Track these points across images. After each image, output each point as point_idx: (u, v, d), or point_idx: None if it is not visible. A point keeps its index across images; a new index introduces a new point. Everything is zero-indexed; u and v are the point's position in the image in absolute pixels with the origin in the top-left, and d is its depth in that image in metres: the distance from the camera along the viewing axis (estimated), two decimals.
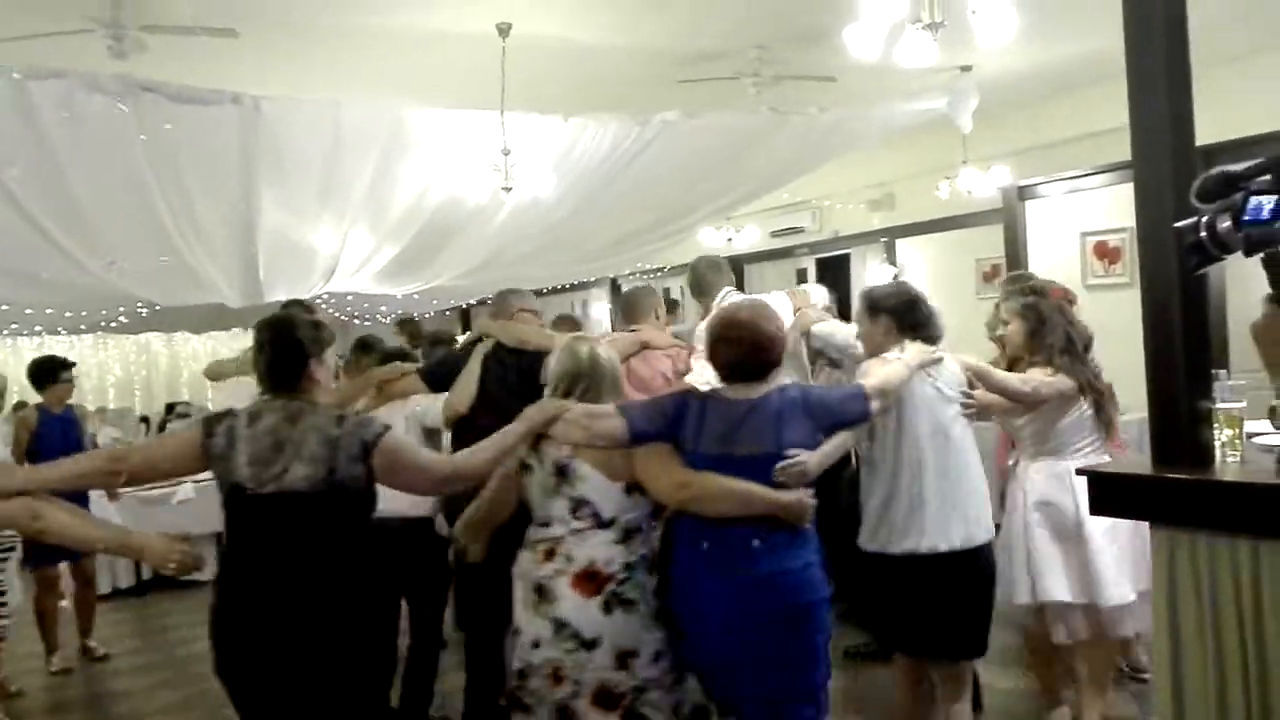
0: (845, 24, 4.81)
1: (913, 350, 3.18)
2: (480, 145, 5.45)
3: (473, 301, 11.31)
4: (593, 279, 11.31)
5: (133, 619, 6.43)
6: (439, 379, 4.15)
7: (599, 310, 12.97)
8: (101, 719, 5.04)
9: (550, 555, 2.85)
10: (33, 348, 10.77)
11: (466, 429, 3.74)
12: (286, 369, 2.66)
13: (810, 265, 10.83)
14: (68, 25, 4.87)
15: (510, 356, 3.99)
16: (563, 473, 2.87)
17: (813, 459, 2.74)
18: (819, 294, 4.53)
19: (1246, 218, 1.37)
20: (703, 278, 4.37)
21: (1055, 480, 3.62)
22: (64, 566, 5.81)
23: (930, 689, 3.37)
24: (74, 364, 6.10)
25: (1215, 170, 1.45)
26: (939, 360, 3.25)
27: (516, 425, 2.83)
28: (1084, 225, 7.60)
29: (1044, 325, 3.69)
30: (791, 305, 4.18)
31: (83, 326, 9.20)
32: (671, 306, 5.48)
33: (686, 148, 5.90)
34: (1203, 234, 1.44)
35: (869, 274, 10.07)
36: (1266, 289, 1.43)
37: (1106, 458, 3.68)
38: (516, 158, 5.51)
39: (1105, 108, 3.94)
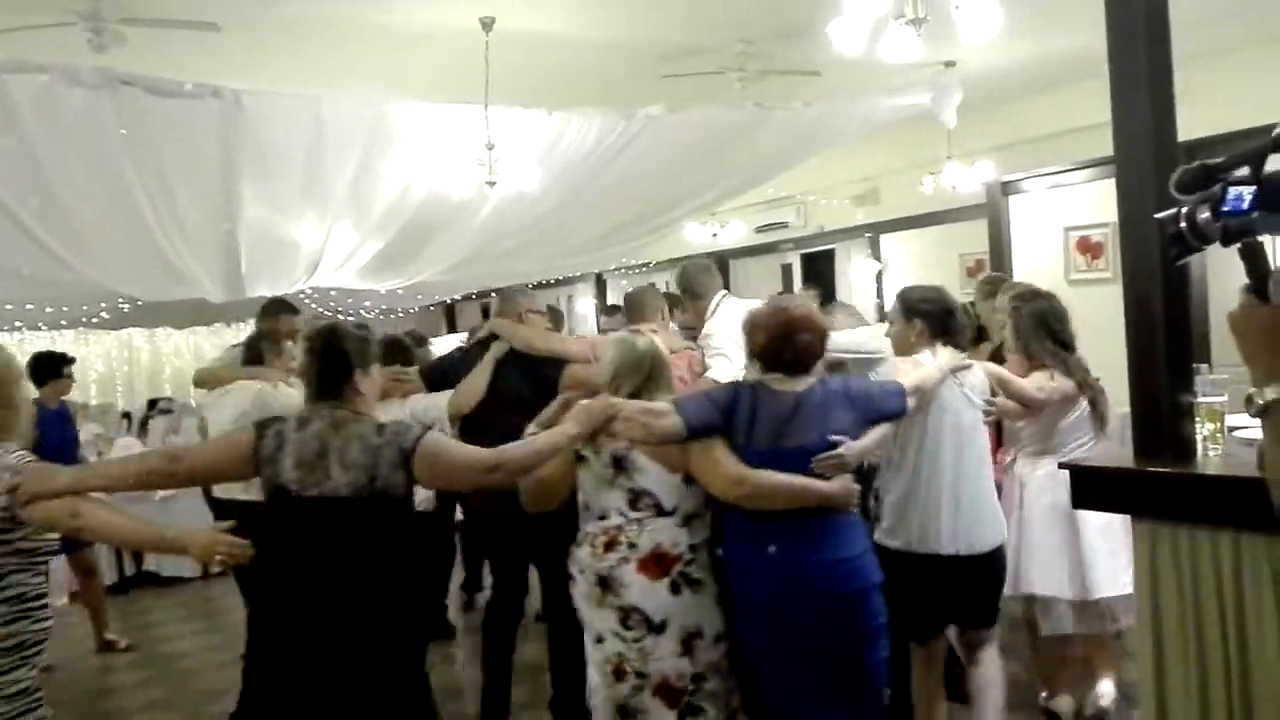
0: (829, 19, 4.80)
1: (945, 355, 3.30)
2: (464, 139, 5.42)
3: (457, 297, 11.29)
4: (578, 274, 11.29)
5: (116, 616, 6.38)
6: (437, 379, 4.16)
7: (584, 305, 12.96)
8: (86, 716, 5.01)
9: (611, 546, 2.91)
10: (14, 344, 10.69)
11: (483, 430, 3.65)
12: (332, 378, 2.70)
13: (795, 260, 10.84)
14: (46, 18, 4.82)
15: (524, 359, 3.99)
16: (620, 465, 2.93)
17: (853, 449, 2.84)
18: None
19: (1225, 209, 1.38)
20: (694, 280, 4.41)
21: (1052, 478, 3.67)
22: (62, 560, 5.75)
23: (940, 670, 3.46)
24: (74, 359, 6.10)
25: (1195, 163, 1.46)
26: (968, 367, 3.37)
27: (570, 427, 2.79)
28: (1067, 220, 7.62)
29: (1038, 328, 3.76)
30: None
31: (64, 322, 9.14)
32: (675, 302, 5.56)
33: (671, 142, 5.89)
34: (1182, 225, 1.44)
35: (853, 269, 10.10)
36: (1245, 281, 1.45)
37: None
38: (500, 152, 5.48)
39: (1088, 104, 3.96)
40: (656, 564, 2.86)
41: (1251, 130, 5.93)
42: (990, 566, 3.32)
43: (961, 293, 8.35)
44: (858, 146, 7.82)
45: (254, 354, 4.54)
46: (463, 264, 7.35)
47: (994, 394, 3.47)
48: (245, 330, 11.10)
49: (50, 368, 5.84)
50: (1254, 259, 1.42)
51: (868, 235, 9.71)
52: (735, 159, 6.54)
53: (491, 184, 5.60)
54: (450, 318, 14.33)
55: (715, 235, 10.54)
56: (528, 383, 3.90)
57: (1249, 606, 2.20)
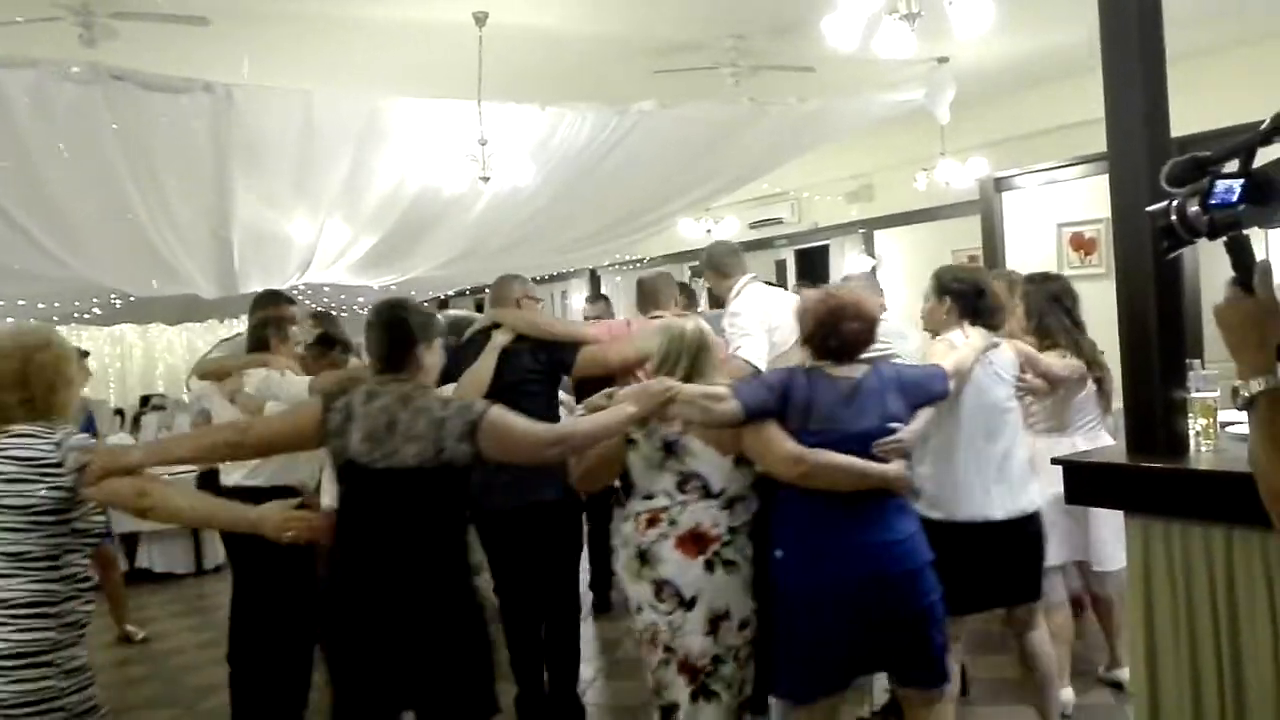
0: (823, 14, 4.80)
1: (976, 335, 3.38)
2: (457, 135, 5.41)
3: (450, 293, 11.26)
4: (572, 270, 11.28)
5: (110, 612, 6.36)
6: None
7: (578, 301, 12.94)
8: None
9: (653, 523, 2.99)
10: None
11: None
12: (398, 351, 2.79)
13: (789, 257, 10.84)
14: (36, 12, 4.80)
15: (533, 344, 3.98)
16: (671, 449, 2.99)
17: (909, 433, 2.91)
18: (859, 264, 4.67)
19: (1214, 201, 1.39)
20: (722, 260, 4.52)
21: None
22: None
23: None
24: (88, 353, 6.08)
25: (1185, 156, 1.46)
26: (997, 345, 3.47)
27: (626, 410, 2.85)
28: (1060, 217, 7.62)
29: (1049, 310, 3.88)
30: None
31: (55, 319, 9.08)
32: (690, 295, 5.72)
33: (665, 138, 5.89)
34: (1173, 218, 1.45)
35: (847, 265, 10.10)
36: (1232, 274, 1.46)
37: (1105, 433, 3.87)
38: (494, 147, 5.47)
39: (1082, 99, 3.96)
40: (694, 542, 2.94)
41: (1242, 127, 5.94)
42: (1029, 531, 3.40)
43: None
44: (851, 143, 7.83)
45: (259, 340, 4.45)
46: (456, 260, 7.33)
47: (1022, 371, 3.59)
48: (238, 327, 11.10)
49: None
50: (1239, 251, 1.43)
51: (861, 231, 9.72)
52: (729, 155, 6.54)
53: (485, 179, 5.58)
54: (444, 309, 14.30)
55: (709, 231, 10.53)
56: (539, 368, 3.93)
57: (1241, 601, 2.20)
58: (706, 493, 2.98)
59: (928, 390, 3.04)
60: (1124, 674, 3.94)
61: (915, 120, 6.76)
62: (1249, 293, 1.42)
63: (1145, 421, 2.56)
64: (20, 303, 6.92)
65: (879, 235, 9.60)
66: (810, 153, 7.30)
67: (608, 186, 6.40)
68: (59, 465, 2.44)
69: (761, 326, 4.18)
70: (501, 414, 2.74)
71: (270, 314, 4.57)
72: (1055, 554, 3.70)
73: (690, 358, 3.05)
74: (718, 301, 4.84)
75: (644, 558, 2.98)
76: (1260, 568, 2.17)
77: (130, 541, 7.53)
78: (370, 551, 2.71)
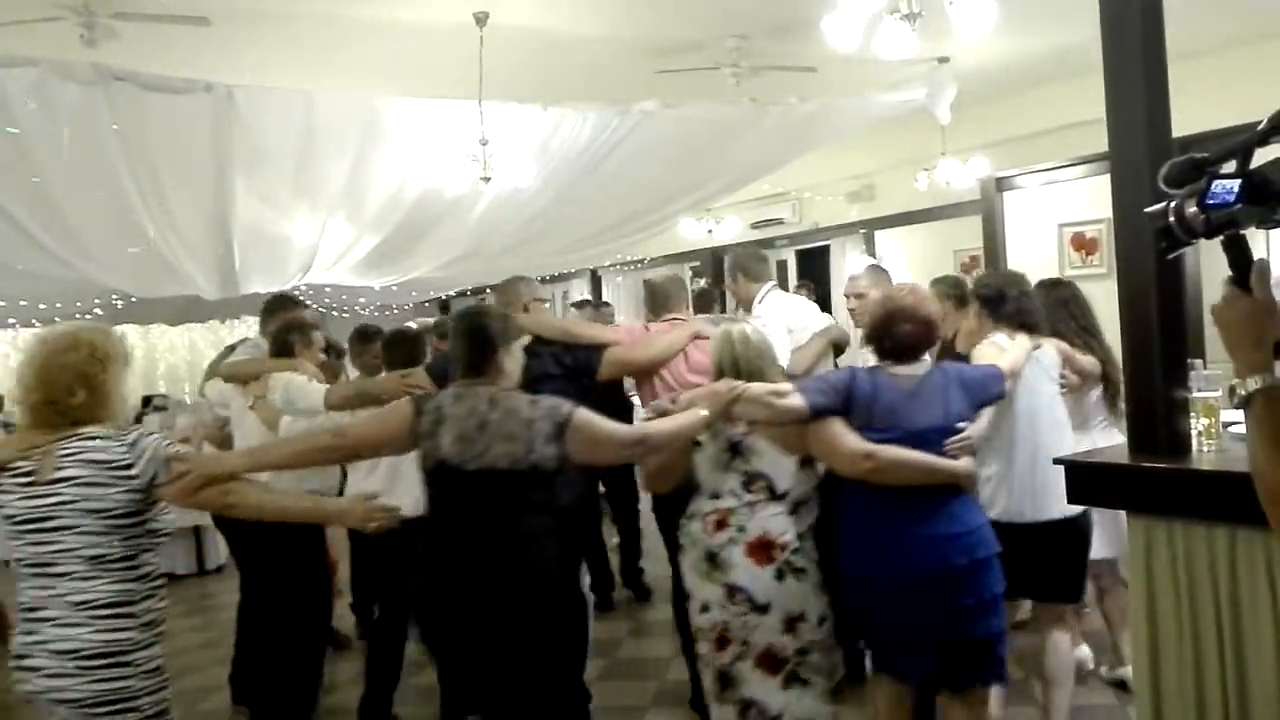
0: (824, 14, 4.80)
1: (1022, 337, 3.44)
2: (458, 135, 5.41)
3: (452, 293, 11.27)
4: (573, 270, 11.28)
5: None
6: (442, 377, 4.16)
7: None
8: None
9: (721, 525, 3.02)
10: (7, 340, 10.66)
11: None
12: (480, 356, 2.87)
13: (790, 257, 10.84)
14: (37, 13, 4.80)
15: (554, 345, 3.97)
16: (736, 449, 3.04)
17: (976, 431, 2.97)
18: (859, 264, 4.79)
19: (1211, 202, 1.39)
20: (750, 265, 4.67)
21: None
22: None
23: None
24: None
25: (1183, 157, 1.46)
26: (1039, 346, 3.52)
27: (699, 413, 2.91)
28: (1061, 217, 7.63)
29: (1058, 314, 3.92)
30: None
31: (57, 319, 9.08)
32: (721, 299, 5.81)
33: (666, 138, 5.88)
34: (1171, 218, 1.45)
35: (848, 266, 10.08)
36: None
37: (1117, 432, 3.86)
38: (495, 148, 5.47)
39: (1083, 100, 3.96)
40: (763, 550, 2.97)
41: (1243, 128, 5.93)
42: (1079, 529, 3.42)
43: None
44: (852, 143, 7.81)
45: (283, 346, 4.43)
46: (458, 260, 7.33)
47: (1063, 369, 3.65)
48: (239, 327, 11.11)
49: None
50: (1236, 250, 1.43)
51: (862, 232, 9.71)
52: (730, 155, 6.53)
53: (486, 180, 5.58)
54: (445, 314, 14.31)
55: (710, 231, 10.54)
56: (561, 369, 3.94)
57: (1244, 601, 2.20)
58: (772, 494, 3.01)
59: (987, 389, 3.08)
60: (1127, 672, 3.95)
61: (916, 120, 6.75)
62: (1246, 292, 1.42)
63: (1147, 421, 2.56)
64: (22, 303, 6.93)
65: (880, 235, 9.59)
66: (811, 153, 7.29)
67: (609, 187, 6.40)
68: (131, 467, 2.44)
69: (784, 329, 4.31)
70: (587, 414, 2.81)
71: (293, 319, 4.57)
72: (1094, 550, 3.72)
73: (749, 362, 3.10)
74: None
75: (714, 560, 3.01)
76: (1263, 568, 2.17)
77: None
78: (463, 554, 2.76)
